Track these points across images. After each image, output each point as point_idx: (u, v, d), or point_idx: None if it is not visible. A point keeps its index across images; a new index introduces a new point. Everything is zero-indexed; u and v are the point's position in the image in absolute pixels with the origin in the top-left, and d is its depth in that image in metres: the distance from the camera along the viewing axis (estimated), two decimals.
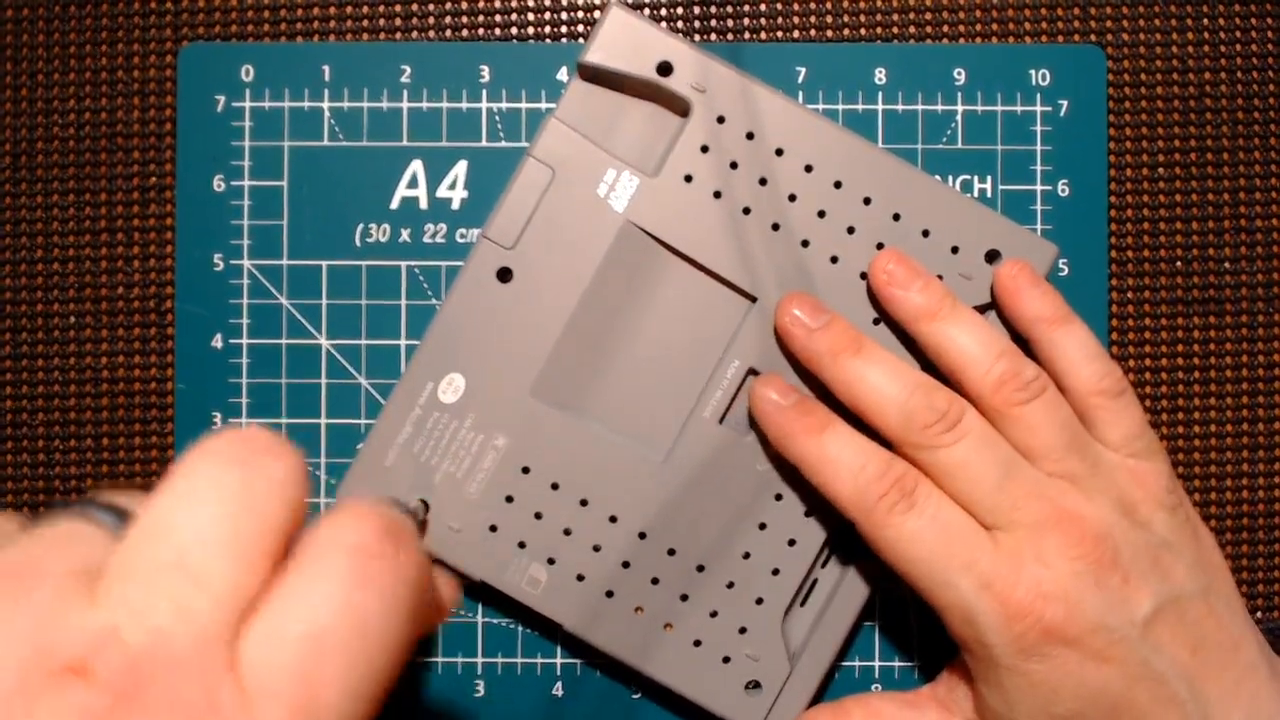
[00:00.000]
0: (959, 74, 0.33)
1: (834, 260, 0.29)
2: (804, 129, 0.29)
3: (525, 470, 0.29)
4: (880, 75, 0.33)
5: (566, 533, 0.29)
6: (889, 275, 0.28)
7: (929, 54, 0.33)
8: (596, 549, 0.29)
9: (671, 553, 0.29)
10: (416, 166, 0.32)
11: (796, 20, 0.33)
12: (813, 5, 0.33)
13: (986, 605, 0.26)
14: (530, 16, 0.33)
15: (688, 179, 0.29)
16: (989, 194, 0.33)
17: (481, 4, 0.33)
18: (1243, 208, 0.33)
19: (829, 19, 0.33)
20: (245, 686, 0.15)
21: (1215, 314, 0.33)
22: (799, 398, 0.28)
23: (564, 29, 0.33)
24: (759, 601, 0.30)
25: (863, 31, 0.33)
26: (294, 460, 0.17)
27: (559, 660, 0.32)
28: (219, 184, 0.32)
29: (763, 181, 0.29)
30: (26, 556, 0.16)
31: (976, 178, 0.32)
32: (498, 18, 0.33)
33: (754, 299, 0.29)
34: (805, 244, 0.29)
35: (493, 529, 0.29)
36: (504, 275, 0.29)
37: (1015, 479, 0.27)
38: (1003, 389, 0.27)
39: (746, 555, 0.29)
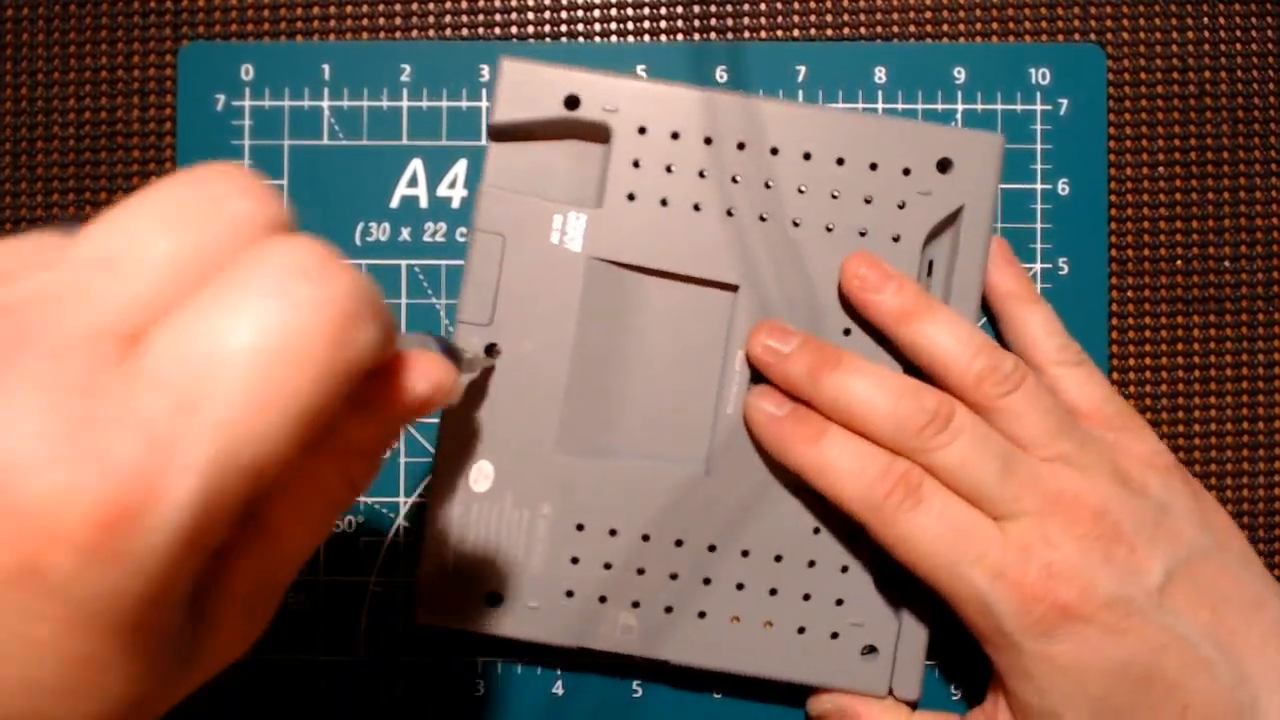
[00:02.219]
0: (959, 73, 0.33)
1: (796, 224, 0.29)
2: (724, 112, 0.29)
3: (580, 528, 0.29)
4: (880, 75, 0.33)
5: (640, 572, 0.29)
6: (861, 280, 0.28)
7: (929, 53, 0.33)
8: (674, 577, 0.29)
9: (746, 554, 0.29)
10: (416, 165, 0.32)
11: (796, 19, 0.33)
12: (813, 5, 0.33)
13: (1001, 594, 0.26)
14: (530, 16, 0.33)
15: (631, 198, 0.29)
16: None
17: (481, 4, 0.33)
18: (1243, 207, 0.33)
19: (829, 18, 0.33)
20: (138, 375, 0.14)
21: (1215, 313, 0.33)
22: (793, 406, 0.28)
23: (564, 29, 0.33)
24: (844, 570, 0.29)
25: (863, 31, 0.33)
26: (262, 197, 0.16)
27: (559, 660, 0.32)
28: None
29: (702, 175, 0.29)
30: None
31: None
32: (498, 17, 0.33)
33: (735, 287, 0.29)
34: (763, 219, 0.29)
35: (569, 594, 0.29)
36: (490, 351, 0.29)
37: (1014, 470, 0.27)
38: (984, 384, 0.27)
39: (816, 530, 0.29)
